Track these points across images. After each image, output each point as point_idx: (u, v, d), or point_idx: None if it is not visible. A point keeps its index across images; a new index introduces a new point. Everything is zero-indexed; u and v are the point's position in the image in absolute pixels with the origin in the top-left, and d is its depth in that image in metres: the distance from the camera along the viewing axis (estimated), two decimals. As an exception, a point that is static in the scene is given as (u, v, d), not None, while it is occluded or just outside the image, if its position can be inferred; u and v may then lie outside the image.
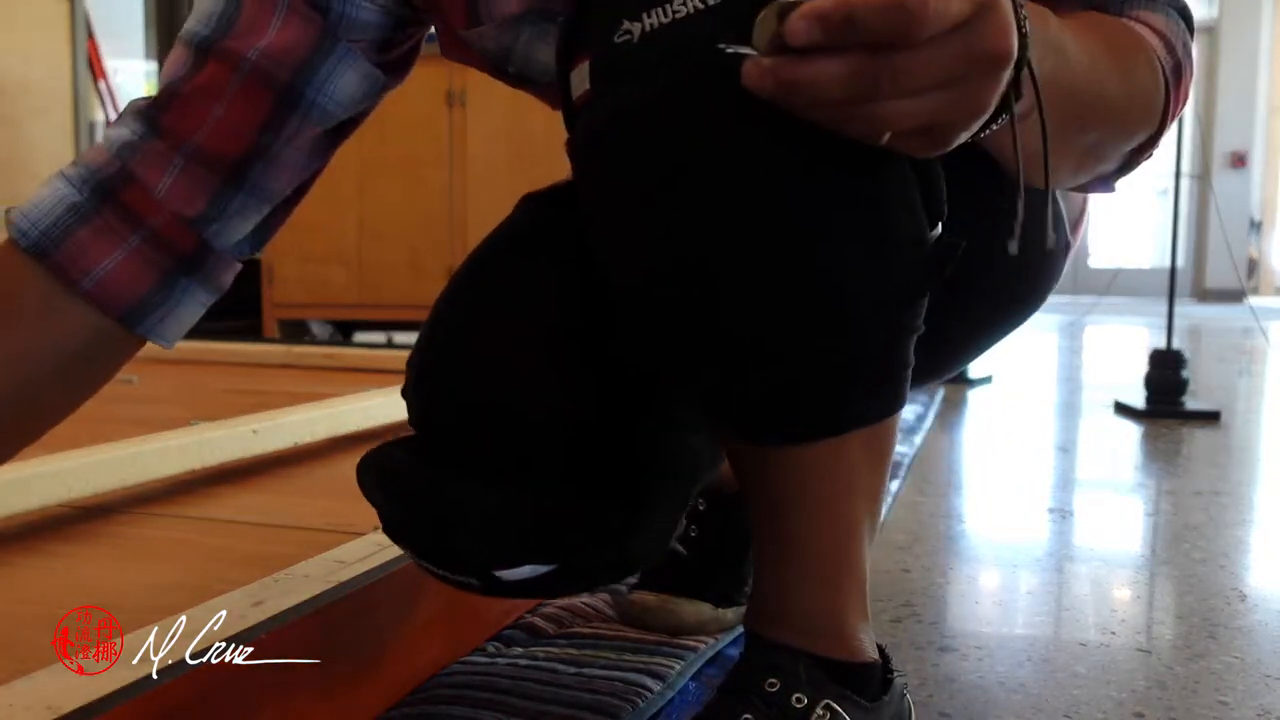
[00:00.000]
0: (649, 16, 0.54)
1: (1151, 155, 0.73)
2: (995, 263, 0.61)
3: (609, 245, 0.61)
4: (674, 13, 0.53)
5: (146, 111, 0.75)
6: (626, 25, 0.55)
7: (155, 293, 0.75)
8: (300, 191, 0.81)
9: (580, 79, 0.60)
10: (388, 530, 0.70)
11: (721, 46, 0.47)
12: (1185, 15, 0.71)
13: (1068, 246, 0.82)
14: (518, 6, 0.74)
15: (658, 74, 0.53)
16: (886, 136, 0.49)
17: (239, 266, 0.80)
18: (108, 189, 0.74)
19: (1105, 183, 0.74)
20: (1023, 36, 0.49)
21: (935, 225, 0.60)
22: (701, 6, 0.52)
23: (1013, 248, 0.58)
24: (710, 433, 0.73)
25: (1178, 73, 0.69)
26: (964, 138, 0.50)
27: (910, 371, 0.66)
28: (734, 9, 0.50)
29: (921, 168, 0.58)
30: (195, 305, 0.78)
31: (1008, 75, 0.48)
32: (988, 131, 0.53)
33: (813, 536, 0.68)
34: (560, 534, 0.67)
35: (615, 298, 0.63)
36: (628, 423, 0.69)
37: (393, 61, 0.80)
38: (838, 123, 0.48)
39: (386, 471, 0.70)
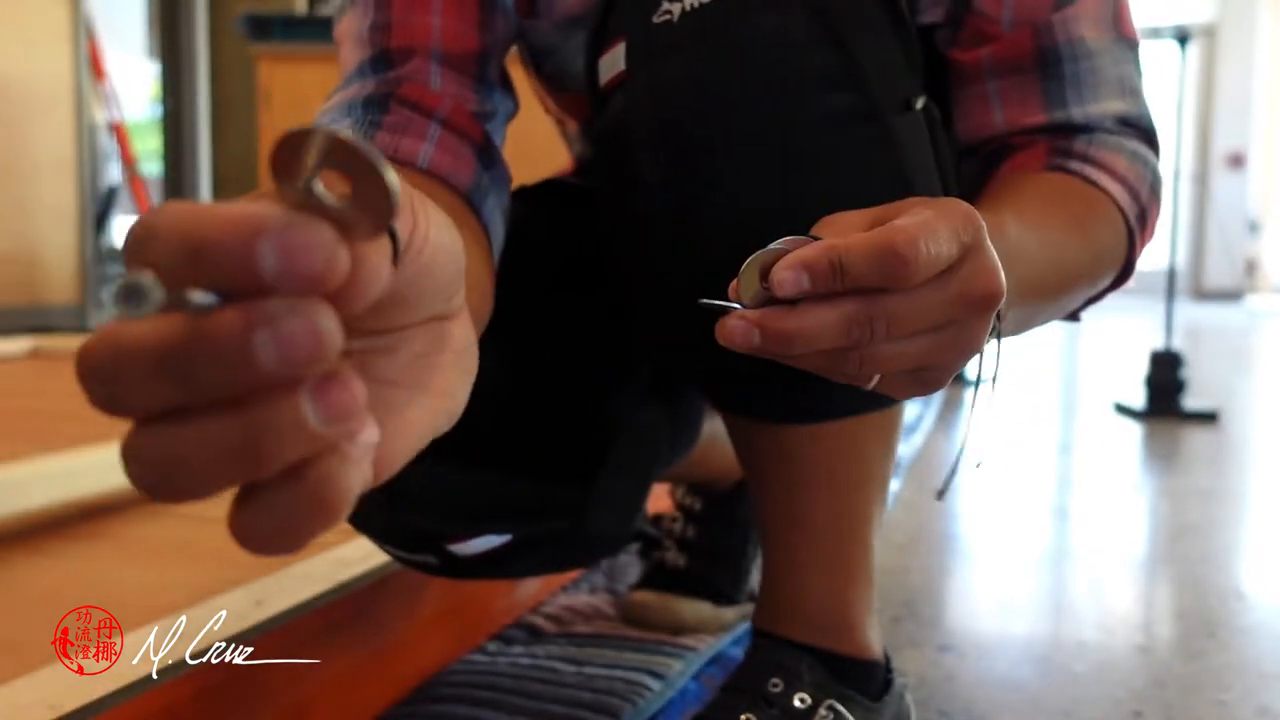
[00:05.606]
0: None
1: (1117, 289, 0.71)
2: None
3: (639, 221, 0.61)
4: None
5: (363, 64, 0.65)
6: (666, 6, 0.57)
7: (478, 177, 0.63)
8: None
9: (612, 63, 0.61)
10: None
11: (703, 302, 0.44)
12: (1151, 139, 0.69)
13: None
14: (577, 8, 0.72)
15: (698, 50, 0.55)
16: (876, 379, 0.47)
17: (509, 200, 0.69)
18: (382, 97, 0.63)
19: (1071, 319, 0.73)
20: None
21: None
22: None
23: (940, 497, 0.62)
24: (669, 411, 0.73)
25: (1142, 219, 0.67)
26: (952, 376, 0.48)
27: None
28: None
29: (939, 148, 0.60)
30: (501, 213, 0.66)
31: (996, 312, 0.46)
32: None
33: (825, 521, 0.69)
34: (512, 504, 0.68)
35: (634, 275, 0.63)
36: (584, 402, 0.69)
37: None
38: (827, 369, 0.45)
39: None
